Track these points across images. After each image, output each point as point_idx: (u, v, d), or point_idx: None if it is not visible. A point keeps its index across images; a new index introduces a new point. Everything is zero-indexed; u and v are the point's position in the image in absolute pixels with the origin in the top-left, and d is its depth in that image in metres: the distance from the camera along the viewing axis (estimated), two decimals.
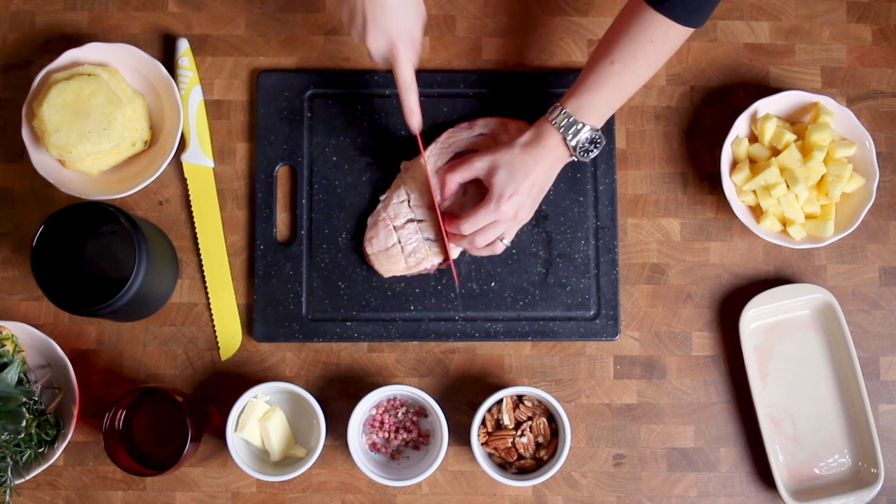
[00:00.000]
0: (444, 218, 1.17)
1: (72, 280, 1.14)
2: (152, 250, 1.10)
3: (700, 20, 1.07)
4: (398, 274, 1.20)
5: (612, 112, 1.12)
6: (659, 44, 1.07)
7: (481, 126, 1.22)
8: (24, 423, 1.10)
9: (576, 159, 1.13)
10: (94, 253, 1.16)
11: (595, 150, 1.12)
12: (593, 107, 1.09)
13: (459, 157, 1.20)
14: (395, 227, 1.19)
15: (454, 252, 1.19)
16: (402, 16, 1.06)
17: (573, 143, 1.10)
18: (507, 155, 1.11)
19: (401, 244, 1.19)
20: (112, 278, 1.15)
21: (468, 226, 1.12)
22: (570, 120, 1.09)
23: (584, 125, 1.09)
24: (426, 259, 1.19)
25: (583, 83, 1.09)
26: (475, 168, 1.13)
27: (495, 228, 1.12)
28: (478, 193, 1.18)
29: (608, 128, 1.24)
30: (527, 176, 1.10)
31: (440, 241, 1.19)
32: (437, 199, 1.17)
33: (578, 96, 1.09)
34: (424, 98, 1.24)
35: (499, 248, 1.15)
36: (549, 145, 1.11)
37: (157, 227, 1.22)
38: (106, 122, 1.17)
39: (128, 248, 1.13)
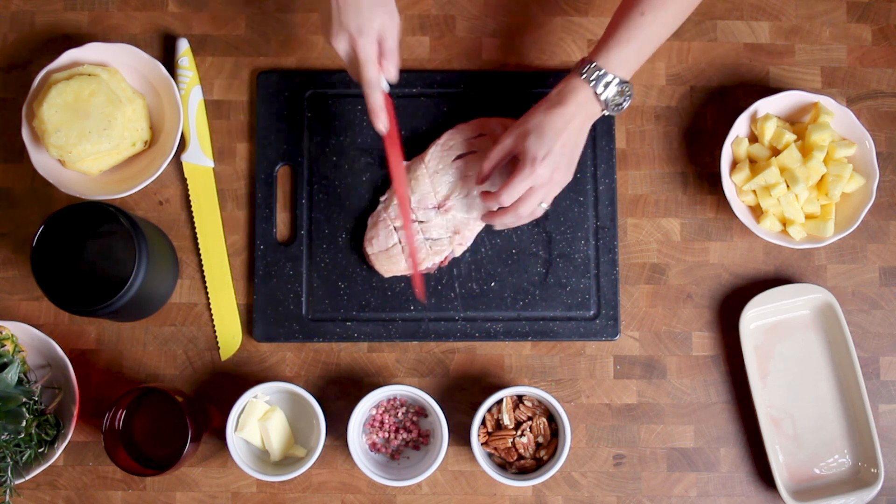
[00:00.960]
0: (482, 195, 1.15)
1: (72, 280, 1.14)
2: (152, 250, 1.10)
3: None
4: (398, 274, 1.20)
5: (640, 64, 1.10)
6: None
7: (481, 127, 1.22)
8: (24, 423, 1.10)
9: (606, 113, 1.11)
10: (94, 253, 1.16)
11: (626, 103, 1.10)
12: (624, 59, 1.08)
13: (451, 133, 1.19)
14: (395, 228, 1.19)
15: (458, 249, 1.19)
16: (366, 14, 1.04)
17: (604, 96, 1.08)
18: (535, 119, 1.09)
19: (401, 244, 1.19)
20: (112, 278, 1.15)
21: (506, 196, 1.09)
22: (602, 73, 1.07)
23: (615, 77, 1.08)
24: (427, 259, 1.19)
25: (612, 35, 1.08)
26: (505, 145, 1.12)
27: (534, 195, 1.10)
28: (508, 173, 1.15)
29: (608, 128, 1.24)
30: (558, 135, 1.08)
31: (410, 250, 1.18)
32: (431, 203, 1.18)
33: (608, 49, 1.08)
34: (424, 98, 1.25)
35: (539, 213, 1.13)
36: (578, 101, 1.08)
37: (157, 227, 1.22)
38: (106, 122, 1.17)
39: (128, 248, 1.13)
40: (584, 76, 1.08)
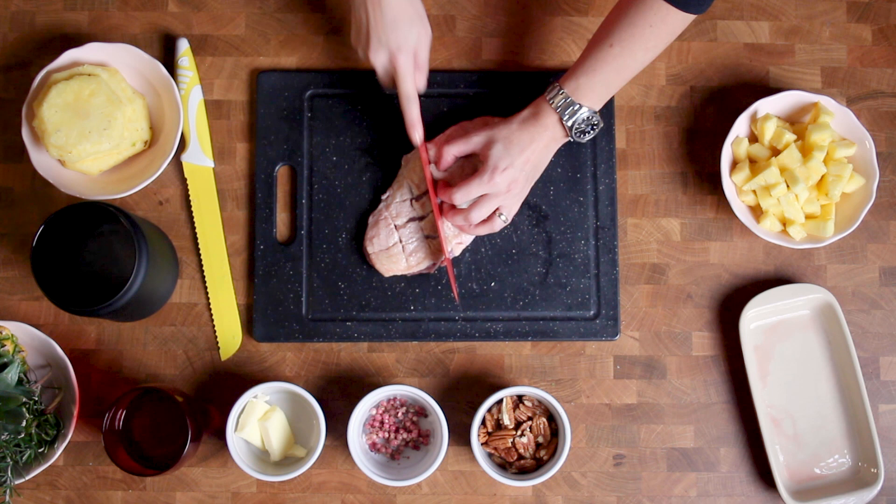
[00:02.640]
0: (438, 190, 1.16)
1: (72, 280, 1.14)
2: (152, 250, 1.10)
3: (700, 7, 1.07)
4: (399, 273, 1.20)
5: (610, 95, 1.12)
6: (658, 28, 1.07)
7: (484, 124, 1.22)
8: (24, 423, 1.10)
9: (571, 139, 1.13)
10: (94, 253, 1.16)
11: (591, 132, 1.12)
12: (591, 89, 1.09)
13: (454, 128, 1.20)
14: (396, 226, 1.19)
15: (457, 248, 1.19)
16: (405, 31, 1.08)
17: (569, 123, 1.11)
18: (505, 130, 1.12)
19: (402, 243, 1.19)
20: (112, 279, 1.15)
21: (460, 195, 1.12)
22: (568, 101, 1.10)
23: (580, 106, 1.10)
24: (427, 258, 1.19)
25: (581, 65, 1.10)
26: (473, 142, 1.14)
27: (489, 202, 1.12)
28: (473, 171, 1.16)
29: (608, 127, 1.24)
30: (522, 151, 1.11)
31: (439, 238, 1.19)
32: (435, 199, 1.18)
33: (577, 77, 1.10)
34: (424, 98, 1.24)
35: (497, 225, 1.15)
36: (545, 124, 1.11)
37: (157, 227, 1.22)
38: (106, 122, 1.17)
39: (128, 249, 1.13)
40: (552, 103, 1.10)
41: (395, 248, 1.19)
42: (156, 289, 1.16)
